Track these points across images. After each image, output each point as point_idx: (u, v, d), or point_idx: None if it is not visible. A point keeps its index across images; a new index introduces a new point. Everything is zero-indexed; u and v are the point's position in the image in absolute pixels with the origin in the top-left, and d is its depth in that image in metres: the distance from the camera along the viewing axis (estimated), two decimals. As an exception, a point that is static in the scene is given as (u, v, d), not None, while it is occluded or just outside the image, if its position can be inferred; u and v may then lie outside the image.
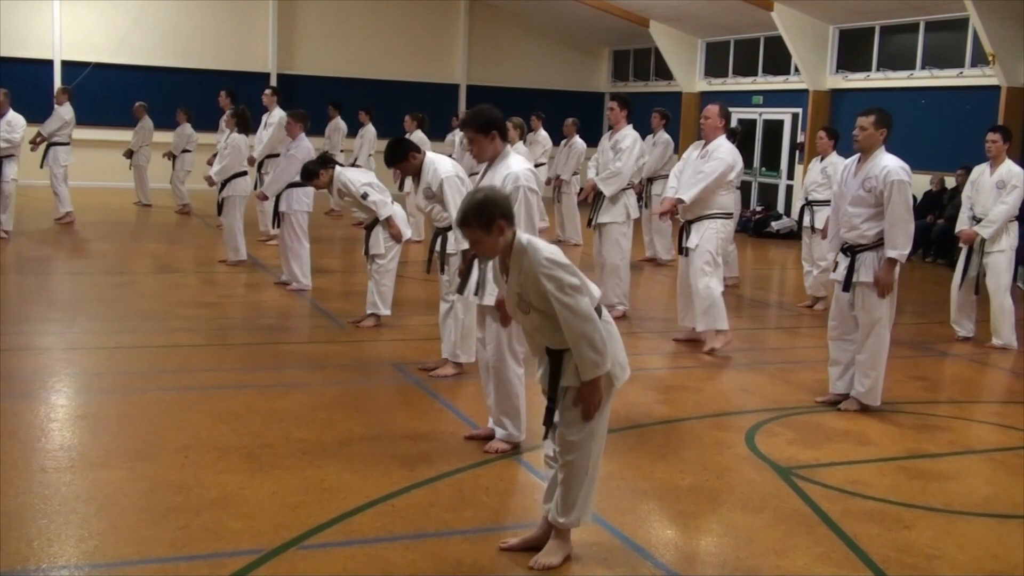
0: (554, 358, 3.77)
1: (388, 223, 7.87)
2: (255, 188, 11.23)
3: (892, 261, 5.99)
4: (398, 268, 8.29)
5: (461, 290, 5.48)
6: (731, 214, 7.86)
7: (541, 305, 3.64)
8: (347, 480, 4.68)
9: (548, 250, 3.65)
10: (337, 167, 8.05)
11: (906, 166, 6.03)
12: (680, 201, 7.55)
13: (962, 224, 8.56)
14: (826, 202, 9.01)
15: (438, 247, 6.52)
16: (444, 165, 6.16)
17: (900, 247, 5.94)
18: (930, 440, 5.83)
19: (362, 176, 8.05)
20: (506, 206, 3.67)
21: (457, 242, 6.23)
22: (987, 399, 7.16)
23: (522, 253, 3.64)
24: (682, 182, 7.75)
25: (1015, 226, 8.34)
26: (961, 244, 8.55)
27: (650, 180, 12.67)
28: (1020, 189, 8.18)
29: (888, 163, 6.00)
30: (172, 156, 16.11)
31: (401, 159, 6.20)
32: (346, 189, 7.89)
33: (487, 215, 3.61)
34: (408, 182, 13.08)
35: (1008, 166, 8.30)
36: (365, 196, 7.81)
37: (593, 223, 8.87)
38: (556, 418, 3.84)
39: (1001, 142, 8.33)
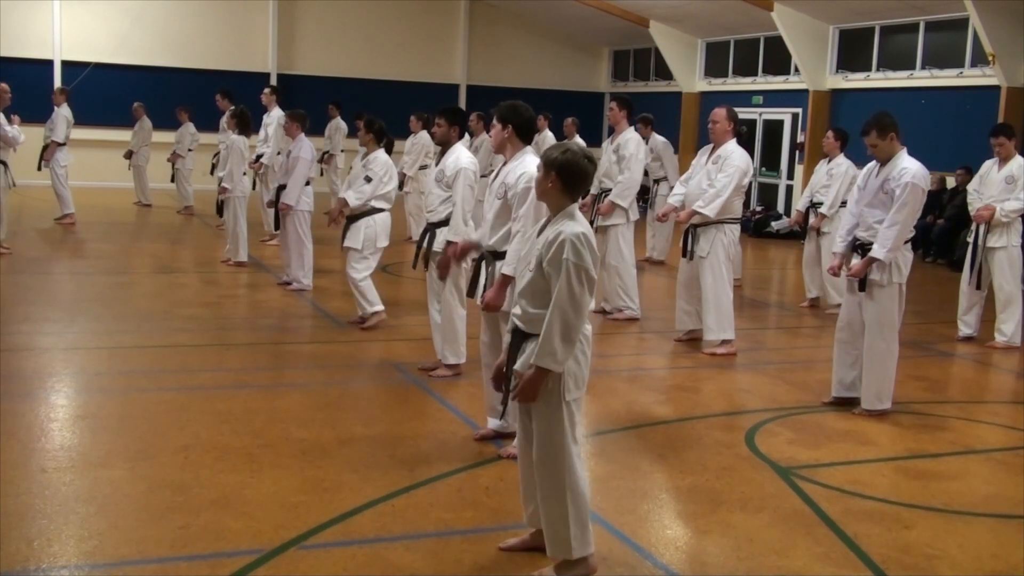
0: (516, 341, 3.76)
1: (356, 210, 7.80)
2: (253, 188, 11.21)
3: (872, 260, 5.95)
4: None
5: (471, 293, 5.43)
6: (739, 218, 7.85)
7: (551, 269, 3.60)
8: (347, 480, 4.67)
9: (590, 232, 3.70)
10: (383, 149, 7.93)
11: (927, 173, 5.98)
12: (696, 213, 7.54)
13: (973, 208, 8.51)
14: None
15: (425, 243, 6.50)
16: (466, 158, 6.31)
17: (889, 249, 5.88)
18: (930, 440, 5.83)
19: (390, 170, 7.92)
20: (566, 171, 3.70)
21: (447, 240, 6.26)
22: (987, 399, 7.15)
23: (568, 217, 3.69)
24: (691, 188, 7.73)
25: (1019, 223, 8.34)
26: (977, 221, 8.42)
27: (656, 181, 12.72)
28: None
29: (909, 165, 5.95)
30: (178, 156, 16.09)
31: (453, 122, 6.31)
32: (370, 162, 7.84)
33: (548, 162, 3.71)
34: (408, 182, 13.13)
35: (1018, 161, 8.30)
36: (368, 180, 7.76)
37: (595, 226, 8.86)
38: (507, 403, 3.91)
39: (1008, 142, 8.33)
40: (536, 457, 3.73)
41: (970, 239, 8.62)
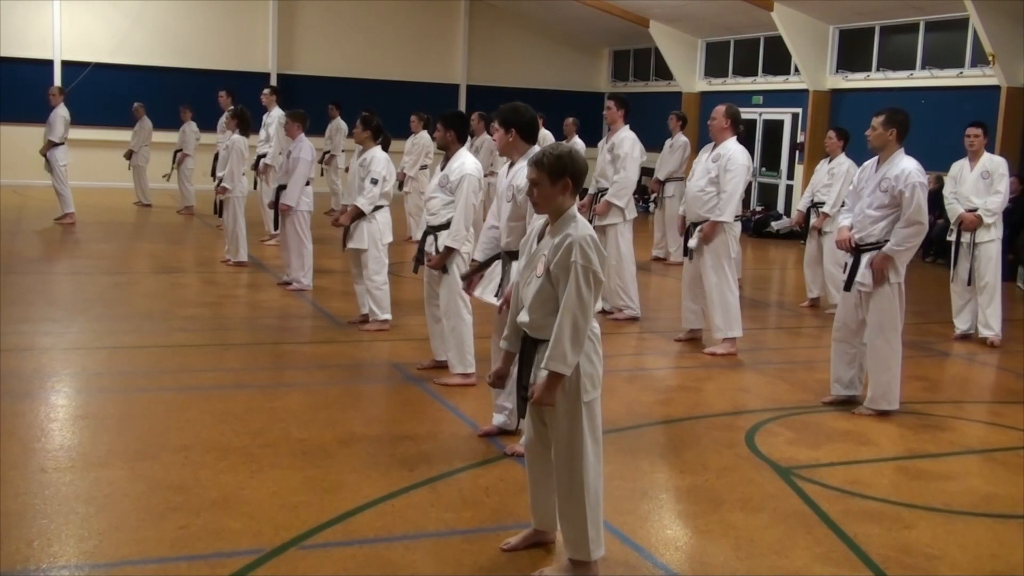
0: (528, 348, 3.75)
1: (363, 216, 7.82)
2: (253, 188, 11.17)
3: (886, 257, 5.96)
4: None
5: (496, 293, 5.40)
6: (739, 215, 7.86)
7: (559, 272, 3.57)
8: (347, 480, 4.68)
9: (595, 234, 3.68)
10: (379, 147, 7.93)
11: (922, 169, 6.02)
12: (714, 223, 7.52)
13: (956, 213, 8.56)
14: None
15: (428, 247, 6.48)
16: (471, 164, 6.30)
17: (902, 247, 5.93)
18: (930, 440, 5.83)
19: (391, 168, 7.93)
20: (578, 173, 3.69)
21: (446, 245, 6.25)
22: (987, 399, 7.16)
23: (572, 220, 3.67)
24: (690, 186, 7.77)
25: (1000, 217, 8.42)
26: (963, 229, 8.49)
27: (664, 181, 12.75)
28: (1007, 177, 8.33)
29: (907, 166, 5.97)
30: (186, 156, 16.09)
31: (449, 127, 6.30)
32: (369, 163, 7.83)
33: (560, 167, 3.66)
34: (408, 182, 13.13)
35: (990, 157, 8.43)
36: (374, 182, 7.76)
37: (593, 226, 8.82)
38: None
39: (983, 136, 8.45)
40: (556, 460, 3.72)
41: (951, 238, 8.72)
